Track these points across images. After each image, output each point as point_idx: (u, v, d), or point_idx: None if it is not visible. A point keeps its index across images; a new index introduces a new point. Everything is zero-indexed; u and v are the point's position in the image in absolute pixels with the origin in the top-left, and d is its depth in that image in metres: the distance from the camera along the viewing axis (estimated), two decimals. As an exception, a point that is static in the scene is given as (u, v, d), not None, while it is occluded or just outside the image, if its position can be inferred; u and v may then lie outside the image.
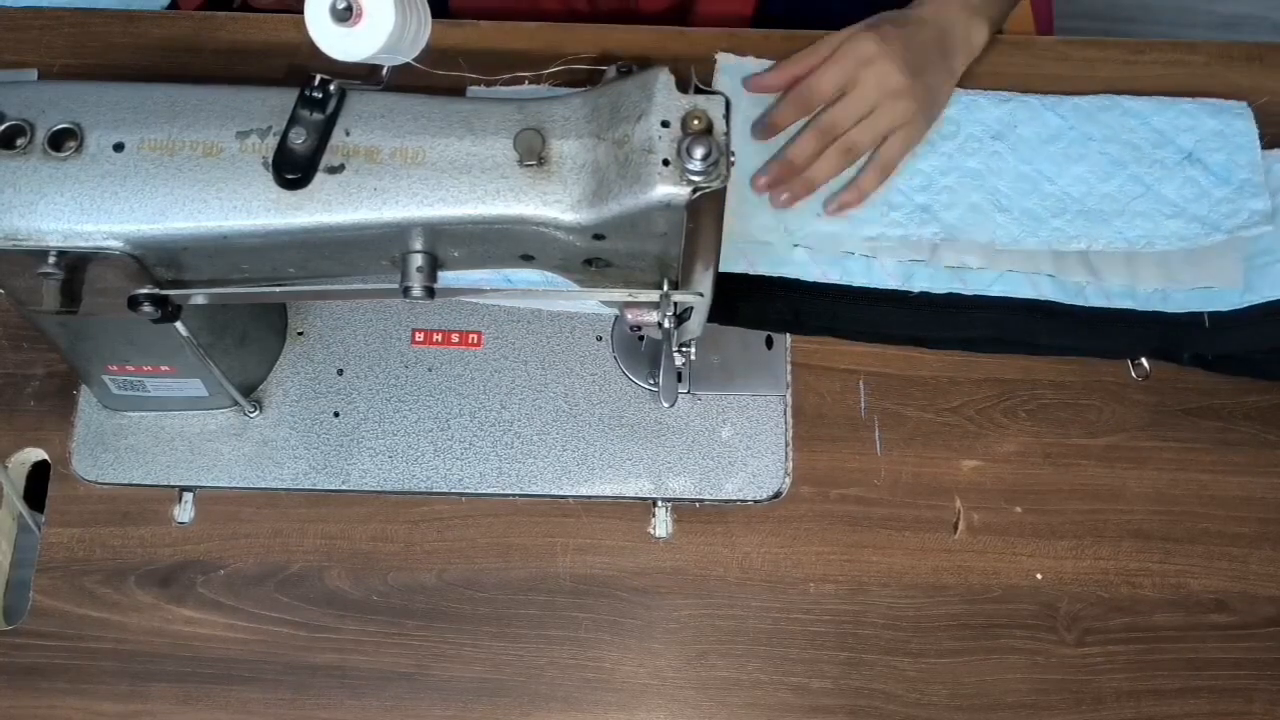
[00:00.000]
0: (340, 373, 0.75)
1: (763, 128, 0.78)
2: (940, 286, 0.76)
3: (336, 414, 0.74)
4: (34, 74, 0.82)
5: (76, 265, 0.56)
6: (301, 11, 0.53)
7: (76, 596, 0.71)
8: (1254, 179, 0.77)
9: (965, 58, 0.79)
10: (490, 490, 0.73)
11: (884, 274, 0.76)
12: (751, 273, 0.75)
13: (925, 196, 0.77)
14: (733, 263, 0.75)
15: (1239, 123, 0.79)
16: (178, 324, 0.62)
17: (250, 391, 0.74)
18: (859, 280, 0.76)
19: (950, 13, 0.78)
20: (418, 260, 0.58)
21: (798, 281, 0.75)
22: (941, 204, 0.77)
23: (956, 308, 0.75)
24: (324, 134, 0.56)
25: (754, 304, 0.75)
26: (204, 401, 0.72)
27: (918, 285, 0.76)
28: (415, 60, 0.58)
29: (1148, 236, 0.76)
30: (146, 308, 0.59)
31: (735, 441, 0.74)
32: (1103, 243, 0.76)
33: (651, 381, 0.75)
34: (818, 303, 0.75)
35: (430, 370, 0.75)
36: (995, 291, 0.75)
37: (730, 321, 0.75)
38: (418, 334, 0.76)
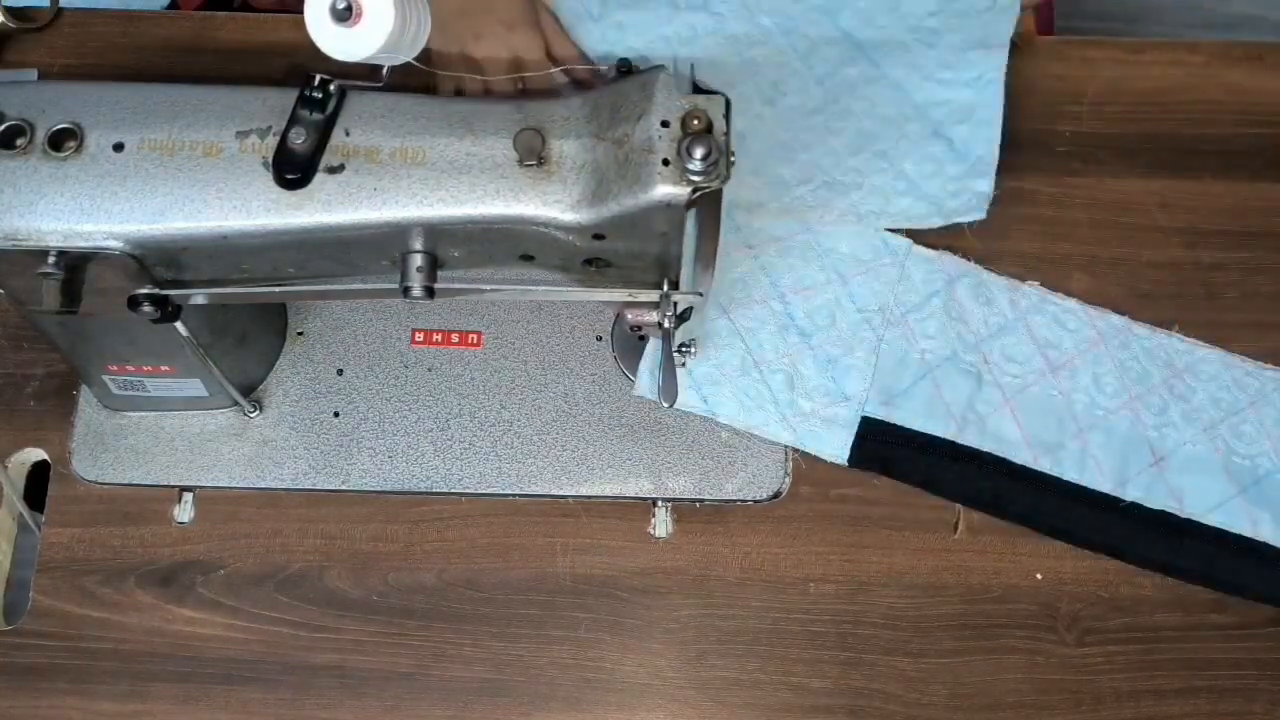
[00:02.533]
0: (340, 373, 0.75)
1: None
2: (1155, 501, 0.72)
3: (336, 414, 0.74)
4: (34, 74, 0.82)
5: (76, 265, 0.56)
6: (301, 11, 0.53)
7: (76, 596, 0.71)
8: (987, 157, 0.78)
9: None
10: (490, 490, 0.73)
11: (1097, 471, 0.72)
12: (960, 442, 0.73)
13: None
14: (941, 426, 0.73)
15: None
16: (178, 324, 0.62)
17: (250, 391, 0.74)
18: (1070, 474, 0.72)
19: None
20: (418, 260, 0.58)
21: (1006, 461, 0.72)
22: None
23: (1167, 527, 0.71)
24: (324, 134, 0.56)
25: (957, 474, 0.72)
26: (204, 401, 0.72)
27: (1131, 494, 0.72)
28: (415, 60, 0.58)
29: (877, 213, 0.77)
30: (146, 308, 0.59)
31: (735, 441, 0.74)
32: (836, 213, 0.77)
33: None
34: (1021, 490, 0.72)
35: (430, 370, 0.75)
36: (1213, 520, 0.71)
37: (934, 491, 0.73)
38: (418, 334, 0.76)
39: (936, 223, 0.77)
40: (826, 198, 0.78)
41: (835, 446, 0.73)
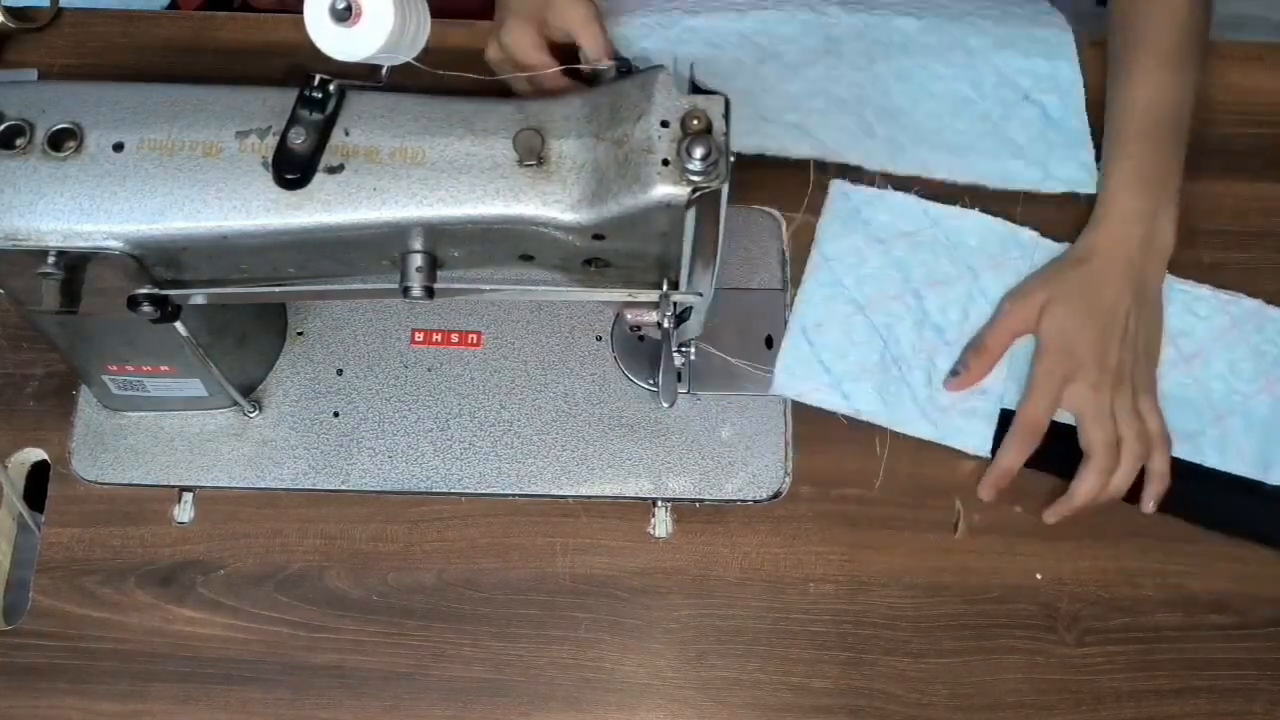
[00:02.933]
0: (340, 373, 0.75)
1: (995, 478, 0.73)
2: None
3: (336, 414, 0.74)
4: (34, 74, 0.82)
5: (76, 265, 0.56)
6: (301, 11, 0.53)
7: (76, 596, 0.71)
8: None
9: (1159, 275, 0.74)
10: (490, 490, 0.73)
11: (1238, 457, 0.72)
12: None
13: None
14: None
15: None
16: (177, 324, 0.62)
17: (250, 391, 0.74)
18: (1211, 460, 0.73)
19: (1128, 244, 0.73)
20: (417, 260, 0.58)
21: None
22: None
23: None
24: (324, 134, 0.56)
25: None
26: (204, 401, 0.72)
27: (1275, 478, 0.72)
28: (415, 60, 0.58)
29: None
30: (146, 308, 0.59)
31: (735, 441, 0.74)
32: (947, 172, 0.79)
33: (651, 382, 0.75)
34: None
35: (430, 370, 0.75)
36: None
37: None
38: (418, 334, 0.76)
39: (1056, 188, 0.78)
40: (946, 160, 0.79)
41: (977, 439, 0.73)
